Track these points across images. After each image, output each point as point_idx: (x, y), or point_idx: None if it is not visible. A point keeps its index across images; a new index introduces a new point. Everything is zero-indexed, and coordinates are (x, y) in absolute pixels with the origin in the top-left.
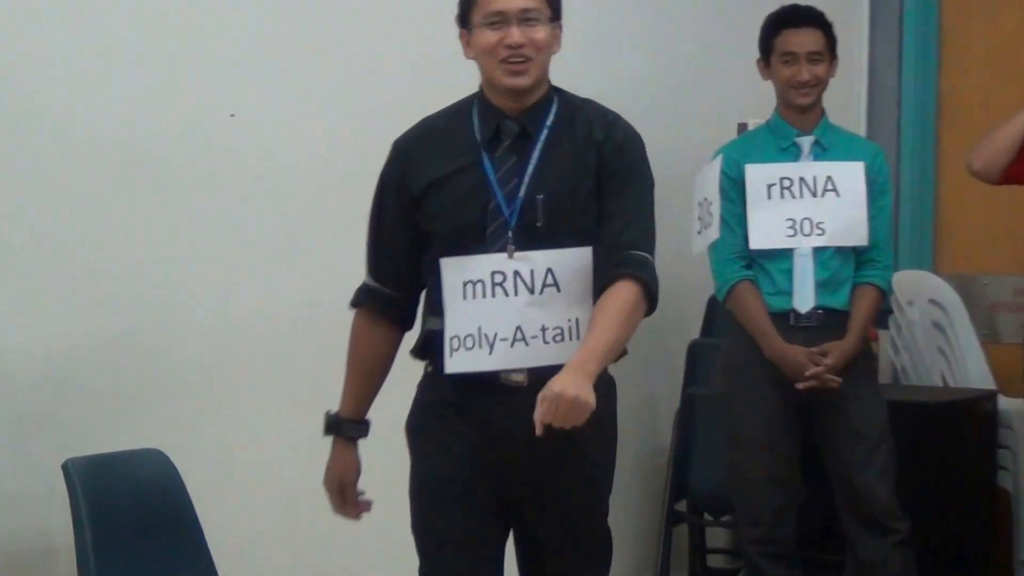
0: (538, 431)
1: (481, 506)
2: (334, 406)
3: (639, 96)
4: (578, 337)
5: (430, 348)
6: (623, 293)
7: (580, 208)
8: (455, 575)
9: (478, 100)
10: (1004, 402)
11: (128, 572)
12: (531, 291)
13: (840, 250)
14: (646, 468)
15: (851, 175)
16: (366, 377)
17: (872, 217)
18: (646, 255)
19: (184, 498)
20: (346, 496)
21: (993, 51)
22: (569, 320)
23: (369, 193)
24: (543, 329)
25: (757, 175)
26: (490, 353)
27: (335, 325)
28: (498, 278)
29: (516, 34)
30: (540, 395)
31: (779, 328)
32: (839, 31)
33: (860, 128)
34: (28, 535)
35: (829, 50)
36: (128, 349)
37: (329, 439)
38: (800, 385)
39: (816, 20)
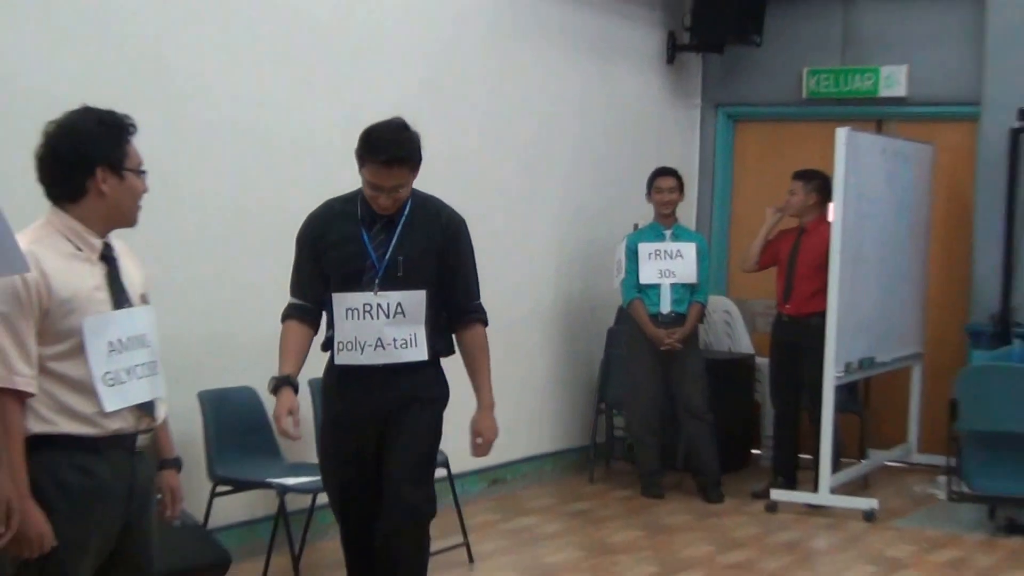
0: (478, 455)
1: (359, 445)
2: None
3: (592, 207)
4: (415, 345)
5: (330, 346)
6: (480, 335)
7: (425, 265)
8: (346, 486)
9: (361, 196)
10: (758, 360)
11: None
12: (387, 316)
13: (683, 284)
14: (586, 388)
15: (689, 249)
16: (299, 354)
17: (700, 270)
18: (479, 302)
19: None
20: (294, 420)
21: (761, 190)
22: (409, 334)
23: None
24: (394, 340)
25: (644, 248)
26: (361, 354)
27: None
28: (367, 307)
29: (384, 201)
30: (477, 435)
31: (653, 321)
32: (685, 179)
33: (692, 226)
34: None
35: (680, 188)
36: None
37: None
38: (662, 348)
39: (673, 173)
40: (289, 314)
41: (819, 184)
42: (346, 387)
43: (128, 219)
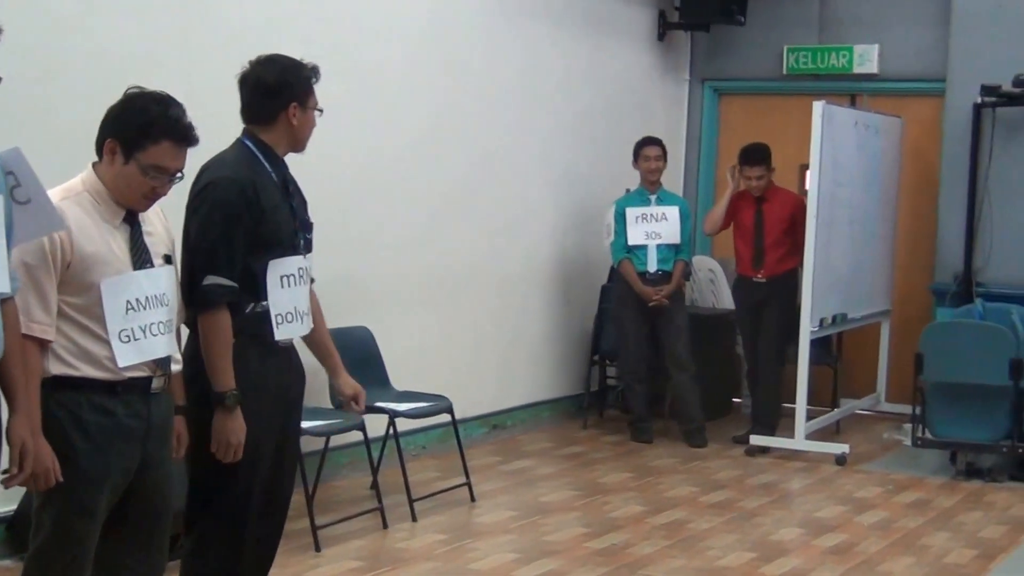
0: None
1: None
2: None
3: (587, 174)
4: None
5: (253, 324)
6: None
7: None
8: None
9: (262, 152)
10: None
11: None
12: (308, 280)
13: (668, 245)
14: (580, 340)
15: (673, 212)
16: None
17: (683, 231)
18: None
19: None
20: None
21: (732, 159)
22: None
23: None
24: (307, 306)
25: (632, 212)
26: (301, 324)
27: None
28: (301, 271)
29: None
30: (355, 395)
31: (641, 279)
32: (670, 149)
33: (680, 192)
34: None
35: (664, 156)
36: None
37: None
38: (650, 304)
39: (658, 142)
40: (220, 300)
41: (771, 158)
42: (282, 368)
43: (130, 201)
